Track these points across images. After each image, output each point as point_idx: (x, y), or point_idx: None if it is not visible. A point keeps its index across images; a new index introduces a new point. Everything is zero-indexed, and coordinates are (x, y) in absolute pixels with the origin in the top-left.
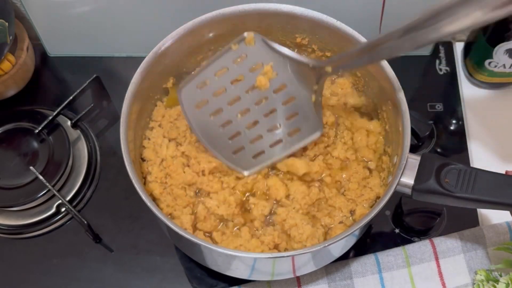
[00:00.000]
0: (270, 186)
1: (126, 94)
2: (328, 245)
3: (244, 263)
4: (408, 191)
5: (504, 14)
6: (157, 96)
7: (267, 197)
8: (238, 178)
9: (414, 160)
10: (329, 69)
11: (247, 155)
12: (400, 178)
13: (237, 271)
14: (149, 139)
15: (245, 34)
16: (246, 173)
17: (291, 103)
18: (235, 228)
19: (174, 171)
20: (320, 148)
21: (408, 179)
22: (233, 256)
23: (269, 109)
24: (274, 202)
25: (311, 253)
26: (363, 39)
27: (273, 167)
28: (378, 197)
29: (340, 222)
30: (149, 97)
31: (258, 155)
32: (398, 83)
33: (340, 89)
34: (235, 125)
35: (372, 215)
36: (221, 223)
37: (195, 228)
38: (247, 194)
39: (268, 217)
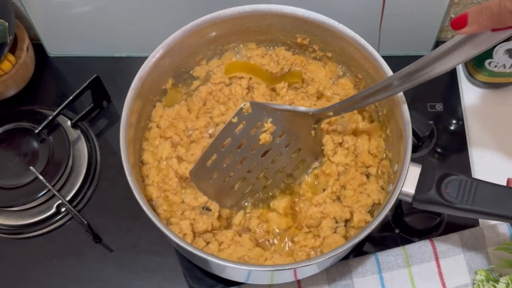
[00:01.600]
0: (269, 219)
1: (126, 100)
2: (329, 257)
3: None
4: (408, 199)
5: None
6: (156, 97)
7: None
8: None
9: (415, 170)
10: (330, 113)
11: (259, 198)
12: (401, 188)
13: (237, 277)
14: (147, 139)
15: (242, 105)
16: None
17: (293, 143)
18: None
19: (166, 176)
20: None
21: (409, 189)
22: (230, 267)
23: (274, 156)
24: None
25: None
26: (363, 41)
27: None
28: (375, 203)
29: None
30: (148, 99)
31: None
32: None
33: (342, 89)
34: (247, 181)
35: (374, 225)
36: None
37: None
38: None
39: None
